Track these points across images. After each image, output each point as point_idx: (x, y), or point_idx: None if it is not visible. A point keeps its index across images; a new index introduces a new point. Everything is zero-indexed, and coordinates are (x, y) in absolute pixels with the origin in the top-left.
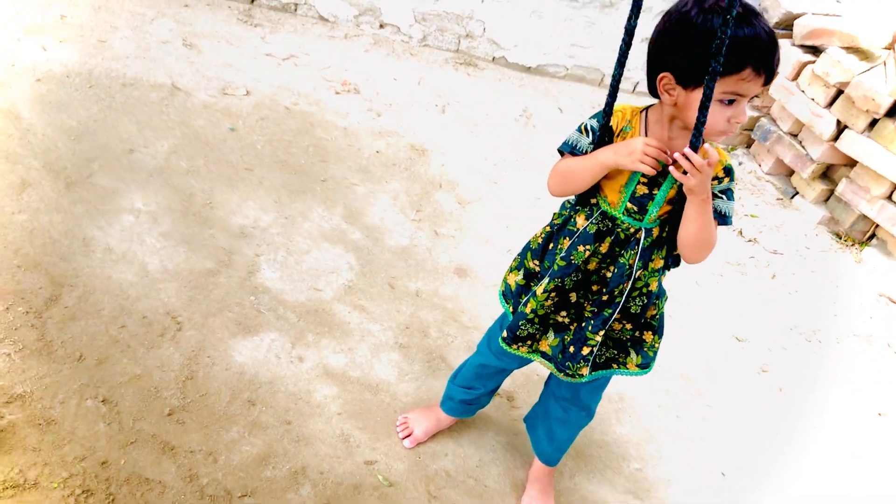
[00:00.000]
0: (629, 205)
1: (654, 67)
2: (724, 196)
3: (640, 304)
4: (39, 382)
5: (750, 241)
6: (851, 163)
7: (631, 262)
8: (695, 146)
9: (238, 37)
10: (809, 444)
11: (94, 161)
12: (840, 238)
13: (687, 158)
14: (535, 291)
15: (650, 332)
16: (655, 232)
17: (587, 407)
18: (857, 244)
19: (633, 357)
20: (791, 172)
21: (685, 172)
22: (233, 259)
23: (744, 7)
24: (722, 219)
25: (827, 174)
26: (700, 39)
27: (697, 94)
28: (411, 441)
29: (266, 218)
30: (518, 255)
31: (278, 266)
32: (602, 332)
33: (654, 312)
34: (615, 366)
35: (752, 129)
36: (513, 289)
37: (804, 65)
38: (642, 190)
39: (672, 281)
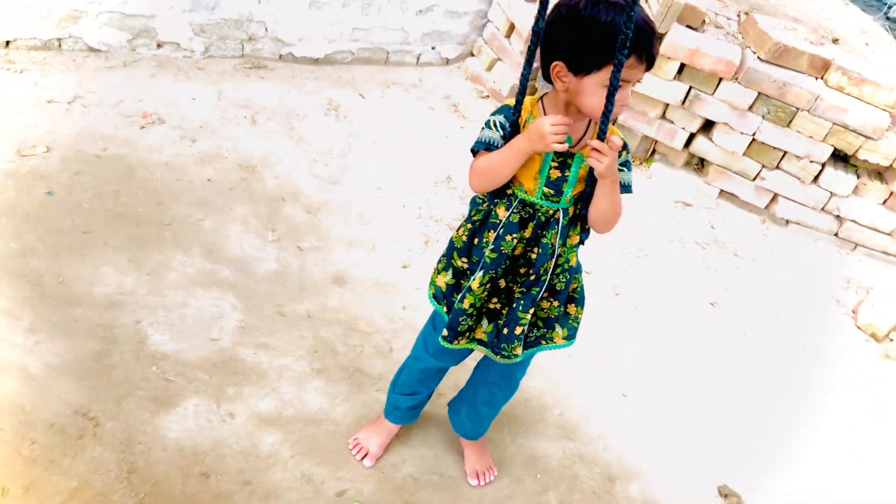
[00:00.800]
0: (546, 189)
1: (547, 56)
2: (624, 168)
3: (564, 279)
4: None
5: None
6: None
7: (553, 241)
8: (602, 133)
9: (7, 86)
10: (644, 341)
11: None
12: None
13: (597, 149)
14: (470, 287)
15: (574, 305)
16: (571, 210)
17: (516, 384)
18: (644, 162)
19: (559, 331)
20: None
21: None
22: (115, 333)
23: None
24: (625, 188)
25: None
26: (588, 30)
27: (588, 81)
28: (370, 459)
29: (128, 280)
30: (442, 256)
31: (164, 327)
32: (532, 311)
33: (576, 286)
34: (543, 342)
35: (537, 79)
36: (443, 290)
37: None
38: (555, 174)
39: None
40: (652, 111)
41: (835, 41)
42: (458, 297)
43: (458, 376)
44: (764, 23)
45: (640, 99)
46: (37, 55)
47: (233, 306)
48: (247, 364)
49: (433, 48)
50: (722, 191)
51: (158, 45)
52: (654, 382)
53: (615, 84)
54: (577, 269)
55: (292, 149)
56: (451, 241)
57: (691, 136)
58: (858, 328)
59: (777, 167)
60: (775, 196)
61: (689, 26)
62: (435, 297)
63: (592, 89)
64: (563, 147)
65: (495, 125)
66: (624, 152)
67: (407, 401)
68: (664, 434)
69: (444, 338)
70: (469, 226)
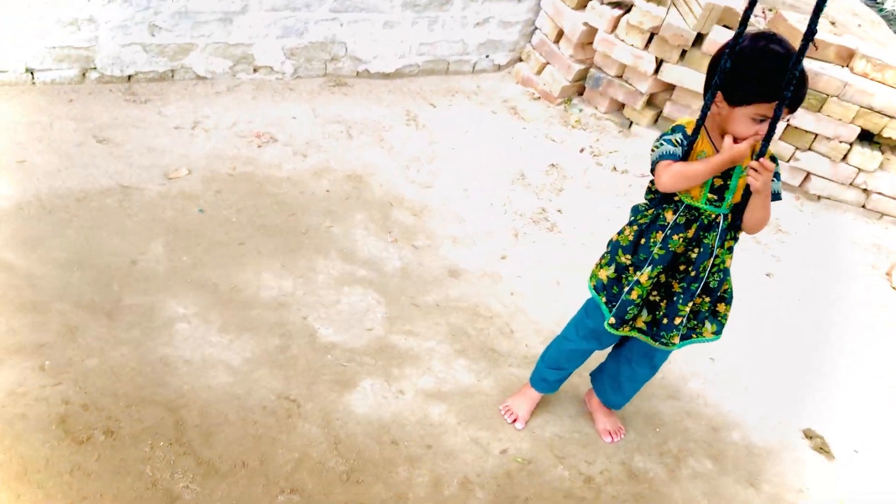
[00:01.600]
0: (710, 195)
1: (710, 86)
2: (776, 178)
3: (718, 279)
4: (231, 499)
5: (618, 171)
6: (671, 88)
7: (713, 242)
8: (762, 155)
9: (137, 118)
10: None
11: (111, 284)
12: None
13: (755, 169)
14: (638, 280)
15: (723, 304)
16: (730, 217)
17: (657, 367)
18: None
19: (709, 326)
20: (623, 107)
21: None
22: (289, 329)
23: (788, 49)
24: (776, 197)
25: (652, 102)
26: (748, 71)
27: (739, 112)
28: (521, 422)
29: (286, 284)
30: (607, 252)
31: (326, 321)
32: (690, 304)
33: (727, 287)
34: (694, 335)
35: (584, 79)
36: (605, 282)
37: (617, 19)
38: (718, 182)
39: None
40: (696, 103)
41: (832, 24)
42: (627, 289)
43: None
44: (792, 19)
45: (683, 92)
46: (154, 86)
47: (376, 301)
48: (401, 349)
49: (487, 56)
50: None
51: (255, 70)
52: (734, 347)
53: (778, 115)
54: (729, 272)
55: (386, 158)
56: (617, 241)
57: None
58: (893, 289)
59: (809, 149)
60: (808, 175)
61: (726, 26)
62: (595, 288)
63: (741, 119)
64: (742, 160)
65: (678, 142)
66: (775, 165)
67: (554, 374)
68: (751, 389)
69: (612, 325)
70: (635, 228)
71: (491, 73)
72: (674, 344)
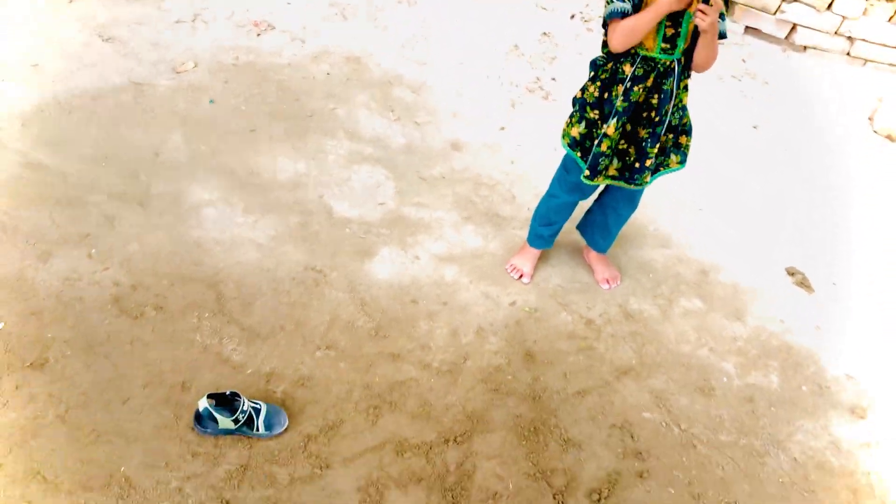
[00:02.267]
0: (663, 44)
1: None
2: (721, 19)
3: (678, 116)
4: (274, 357)
5: None
6: None
7: (671, 86)
8: None
9: (139, 14)
10: (705, 165)
11: (138, 174)
12: None
13: (701, 10)
14: (606, 133)
15: (684, 136)
16: (683, 60)
17: (636, 201)
18: None
19: (674, 157)
20: None
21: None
22: (307, 207)
23: None
24: (722, 36)
25: None
26: None
27: None
28: (527, 277)
29: (300, 165)
30: (575, 111)
31: (341, 198)
32: (657, 146)
33: (686, 120)
34: (662, 168)
35: None
36: (577, 139)
37: None
38: (670, 31)
39: None
40: None
41: None
42: (596, 142)
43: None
44: None
45: None
46: None
47: (385, 176)
48: (413, 219)
49: None
50: (747, 27)
51: None
52: (721, 197)
53: None
54: (686, 108)
55: (381, 38)
56: (583, 98)
57: None
58: (875, 132)
59: (795, 0)
60: (794, 26)
61: None
62: (570, 145)
63: None
64: (682, 5)
65: None
66: (722, 6)
67: (547, 230)
68: (737, 234)
69: (587, 177)
70: (598, 83)
71: None
72: (646, 182)
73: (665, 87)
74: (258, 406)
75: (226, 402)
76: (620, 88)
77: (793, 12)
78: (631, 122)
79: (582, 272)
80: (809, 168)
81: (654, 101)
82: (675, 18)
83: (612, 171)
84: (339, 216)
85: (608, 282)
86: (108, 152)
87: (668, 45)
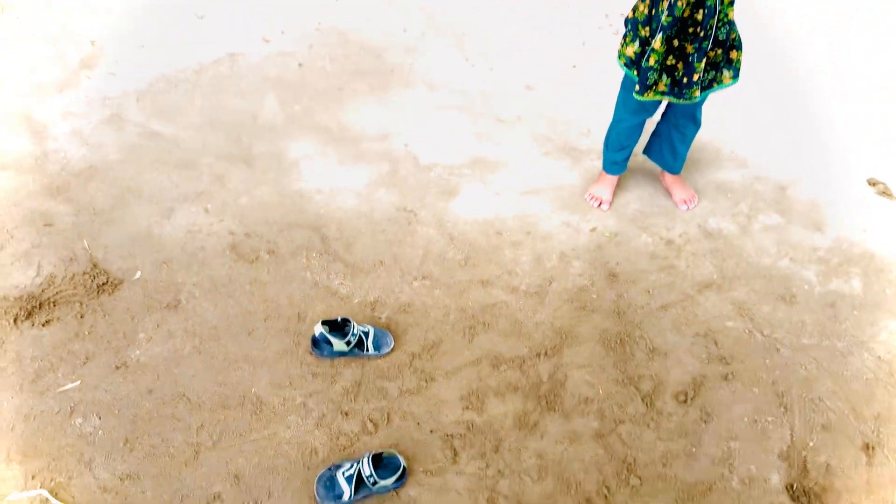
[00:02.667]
0: None
1: None
2: None
3: (725, 31)
4: (377, 288)
5: None
6: None
7: (714, 2)
8: None
9: None
10: (780, 81)
11: (241, 137)
12: None
13: None
14: (653, 47)
15: (734, 51)
16: None
17: (699, 120)
18: None
19: (726, 73)
20: None
21: None
22: (395, 156)
23: None
24: None
25: None
26: None
27: None
28: (606, 204)
29: (385, 118)
30: (628, 31)
31: (426, 146)
32: (704, 61)
33: (734, 35)
34: (715, 84)
35: None
36: (632, 57)
37: None
38: None
39: None
40: None
41: None
42: (645, 57)
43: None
44: None
45: None
46: None
47: (464, 121)
48: (491, 159)
49: None
50: None
51: None
52: (796, 113)
53: None
54: (734, 22)
55: None
56: (634, 18)
57: None
58: None
59: None
60: None
61: None
62: (626, 64)
63: None
64: None
65: None
66: None
67: (620, 155)
68: (816, 150)
69: (637, 92)
70: (647, 2)
71: None
72: (695, 97)
73: (708, 3)
74: (367, 330)
75: (338, 327)
76: (665, 3)
77: None
78: (678, 37)
79: (660, 196)
80: (876, 77)
81: (699, 17)
82: None
83: (661, 87)
84: (425, 162)
85: (686, 202)
86: (213, 118)
87: None
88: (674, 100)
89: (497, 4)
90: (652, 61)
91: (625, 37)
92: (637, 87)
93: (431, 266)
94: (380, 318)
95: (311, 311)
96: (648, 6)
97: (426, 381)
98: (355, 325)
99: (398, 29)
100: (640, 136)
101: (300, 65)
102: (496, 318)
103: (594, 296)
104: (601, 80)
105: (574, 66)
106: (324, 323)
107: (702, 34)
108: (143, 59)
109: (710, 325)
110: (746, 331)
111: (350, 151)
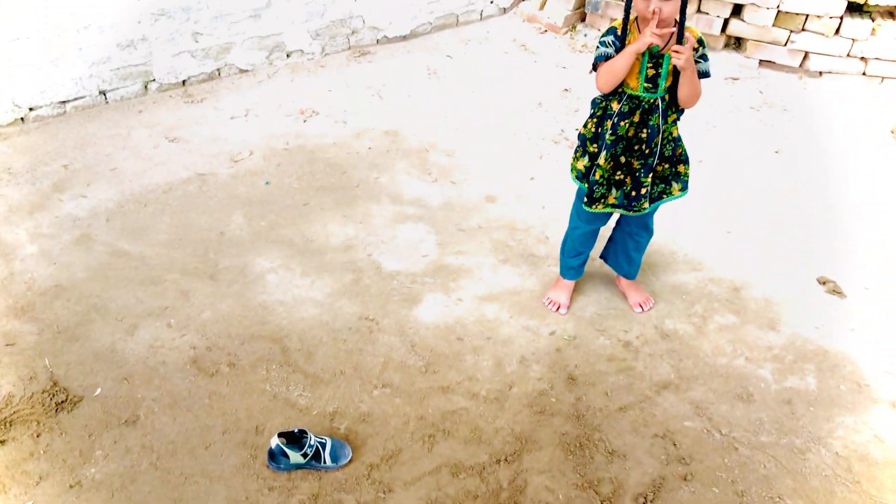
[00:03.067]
0: (646, 84)
1: None
2: (702, 59)
3: (670, 147)
4: (336, 398)
5: None
6: None
7: (657, 121)
8: (680, 36)
9: (198, 116)
10: (731, 190)
11: (207, 253)
12: None
13: (676, 50)
14: (598, 163)
15: (682, 165)
16: (667, 97)
17: (651, 229)
18: None
19: (675, 185)
20: None
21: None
22: (358, 266)
23: None
24: (704, 75)
25: None
26: None
27: None
28: (564, 308)
29: (349, 230)
30: (577, 147)
31: (388, 255)
32: (651, 175)
33: (680, 151)
34: (665, 196)
35: (584, 6)
36: (583, 171)
37: None
38: (651, 72)
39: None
40: (689, 8)
41: None
42: (592, 172)
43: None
44: None
45: None
46: (205, 86)
47: (427, 232)
48: (454, 266)
49: (491, 2)
50: (761, 60)
51: (288, 55)
52: (748, 218)
53: (684, 4)
54: (679, 139)
55: (415, 111)
56: (583, 135)
57: (726, 22)
58: None
59: (803, 29)
60: (806, 54)
61: None
62: (577, 177)
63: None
64: (659, 41)
65: (610, 43)
66: (701, 47)
67: (575, 260)
68: (767, 251)
69: (585, 203)
70: (594, 120)
71: (498, 17)
72: (644, 209)
73: (651, 123)
74: (324, 441)
75: (295, 439)
76: (609, 123)
77: (803, 41)
78: (624, 153)
79: (616, 300)
80: (834, 183)
81: (643, 135)
82: (656, 60)
83: (611, 200)
84: (388, 270)
85: (641, 305)
86: (181, 236)
87: (651, 85)
88: (624, 212)
89: (459, 125)
90: (598, 175)
91: (576, 150)
92: (585, 200)
93: (392, 374)
94: (338, 428)
95: (270, 423)
96: (595, 124)
97: (384, 492)
98: (312, 436)
99: (363, 147)
100: (594, 242)
101: (267, 183)
102: (456, 425)
103: (553, 399)
104: (558, 190)
105: (532, 179)
106: (280, 435)
107: (647, 151)
108: (114, 181)
109: (668, 426)
110: (705, 430)
111: (314, 263)
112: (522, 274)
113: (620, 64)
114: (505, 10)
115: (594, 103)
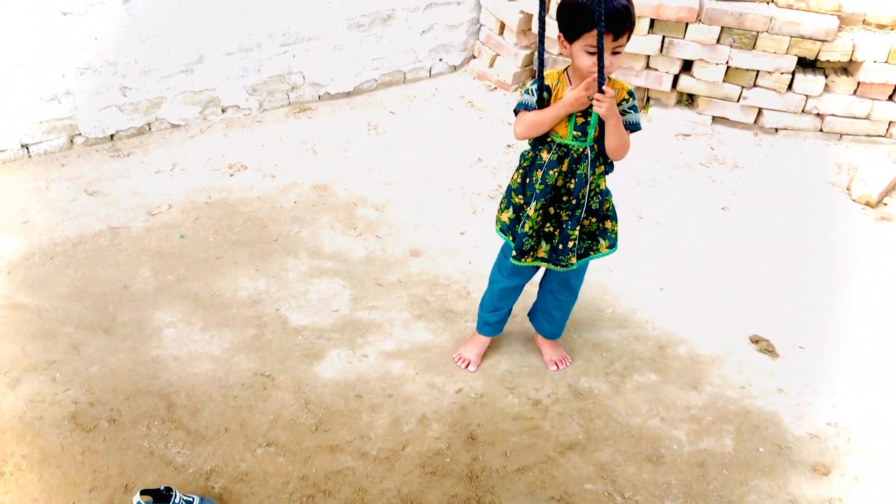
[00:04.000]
0: (575, 133)
1: (559, 33)
2: (631, 111)
3: (598, 200)
4: (216, 457)
5: None
6: None
7: (585, 171)
8: (600, 85)
9: (122, 170)
10: (670, 246)
11: (107, 307)
12: None
13: (597, 99)
14: (528, 214)
15: (609, 221)
16: (595, 147)
17: (575, 290)
18: (643, 108)
19: (603, 242)
20: None
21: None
22: (263, 320)
23: None
24: (632, 126)
25: None
26: (570, 10)
27: (575, 47)
28: (473, 365)
29: (260, 284)
30: (503, 198)
31: (297, 309)
32: (578, 228)
33: (608, 205)
34: (592, 252)
35: (532, 63)
36: (507, 223)
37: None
38: (580, 120)
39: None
40: (637, 64)
41: None
42: (521, 224)
43: (528, 302)
44: None
45: (626, 56)
46: (135, 140)
47: (342, 286)
48: (365, 322)
49: (440, 59)
50: (714, 117)
51: (223, 110)
52: (684, 275)
53: (600, 47)
54: (607, 193)
55: (349, 166)
56: (509, 186)
57: (676, 78)
58: (854, 201)
59: (755, 85)
60: (760, 110)
61: None
62: (502, 230)
63: (578, 54)
64: (585, 104)
65: (531, 91)
66: (631, 98)
67: (493, 316)
68: (698, 310)
69: (514, 257)
70: (521, 171)
71: (448, 75)
72: (572, 264)
73: (579, 172)
74: (191, 499)
75: (160, 497)
76: (539, 173)
77: (755, 97)
78: (552, 204)
79: (532, 357)
80: (779, 241)
81: (571, 186)
82: (585, 110)
83: (541, 253)
84: (294, 325)
85: (557, 363)
86: (82, 289)
87: (580, 133)
88: (552, 266)
89: (393, 179)
90: (527, 227)
91: (500, 203)
92: (514, 253)
93: (279, 432)
94: (213, 487)
95: (141, 481)
96: (522, 175)
97: None
98: (179, 494)
99: (289, 201)
100: (515, 299)
101: (182, 236)
102: (339, 486)
103: (448, 459)
104: (488, 245)
105: (462, 233)
106: (143, 493)
107: (574, 203)
108: (23, 234)
109: (567, 488)
110: (606, 493)
111: (216, 318)
112: (436, 330)
113: (546, 119)
114: (455, 68)
115: (522, 155)
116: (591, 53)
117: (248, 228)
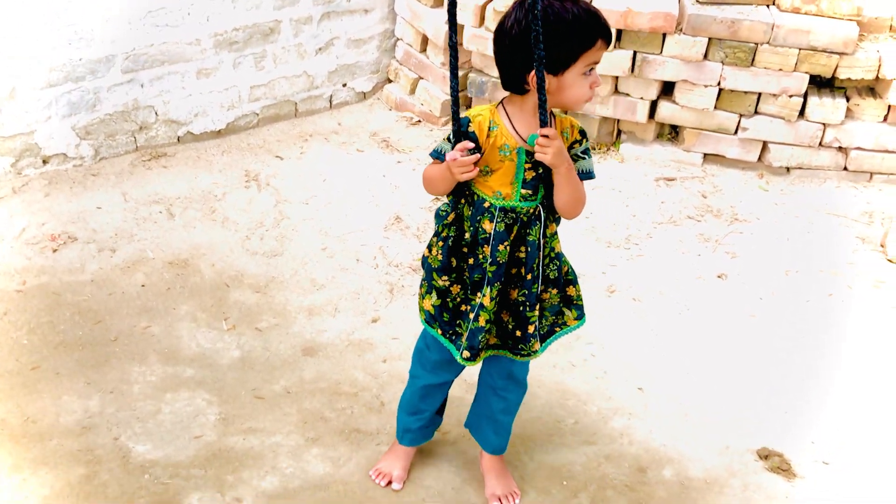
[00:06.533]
0: (523, 191)
1: (517, 68)
2: (584, 156)
3: (555, 266)
4: None
5: None
6: None
7: (537, 236)
8: (543, 124)
9: None
10: (650, 332)
11: None
12: (594, 150)
13: (539, 143)
14: (482, 304)
15: (571, 286)
16: (545, 203)
17: (522, 382)
18: (612, 146)
19: (569, 314)
20: None
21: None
22: (97, 454)
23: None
24: (587, 175)
25: None
26: (558, 31)
27: (568, 75)
28: (398, 482)
29: (92, 403)
30: (423, 281)
31: (144, 437)
32: (537, 307)
33: (566, 269)
34: (557, 329)
35: (466, 88)
36: (432, 312)
37: (482, 8)
38: (531, 174)
39: None
40: (603, 89)
41: None
42: (473, 316)
43: (462, 412)
44: None
45: None
46: None
47: (207, 402)
48: (238, 451)
49: (344, 85)
50: (705, 155)
51: (44, 161)
52: (670, 369)
53: (540, 77)
54: (562, 255)
55: (219, 232)
56: (428, 264)
57: (654, 104)
58: (889, 262)
59: (756, 112)
60: (765, 144)
61: None
62: (427, 321)
63: (576, 81)
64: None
65: (448, 138)
66: (584, 140)
67: (415, 421)
68: (689, 415)
69: (467, 359)
70: (441, 244)
71: (355, 105)
72: (535, 351)
73: (531, 239)
74: None
75: None
76: (487, 249)
77: (758, 128)
78: (502, 283)
79: (468, 489)
80: (792, 319)
81: (522, 256)
82: (536, 162)
83: (492, 341)
84: (138, 460)
85: (500, 500)
86: None
87: (530, 191)
88: (509, 355)
89: (280, 249)
90: (482, 321)
91: (421, 286)
92: (466, 353)
93: None
94: None
95: None
96: (443, 251)
97: None
98: None
99: (135, 285)
100: (440, 401)
101: None
102: None
103: None
104: (410, 335)
105: (375, 321)
106: None
107: (528, 276)
108: None
109: None
110: None
111: (31, 452)
112: (337, 459)
113: (436, 178)
114: (364, 96)
115: (438, 216)
116: (588, 73)
117: (77, 325)
